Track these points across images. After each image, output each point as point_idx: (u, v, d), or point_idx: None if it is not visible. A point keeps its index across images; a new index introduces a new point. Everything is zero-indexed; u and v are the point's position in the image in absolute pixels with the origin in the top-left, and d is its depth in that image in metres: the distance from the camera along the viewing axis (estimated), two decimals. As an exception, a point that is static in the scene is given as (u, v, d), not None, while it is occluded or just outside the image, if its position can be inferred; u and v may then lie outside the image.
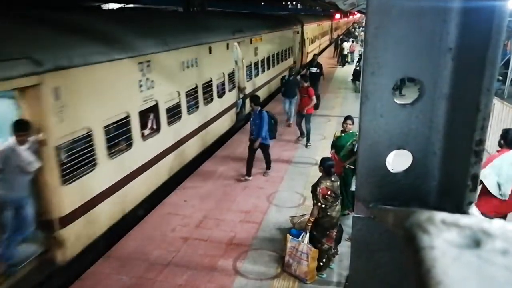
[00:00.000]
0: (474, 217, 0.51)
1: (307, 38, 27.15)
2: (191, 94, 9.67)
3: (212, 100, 10.88)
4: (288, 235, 5.89)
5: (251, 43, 14.34)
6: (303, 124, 11.33)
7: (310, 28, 28.53)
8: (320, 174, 5.81)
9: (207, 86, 10.50)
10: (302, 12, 46.12)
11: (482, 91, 0.68)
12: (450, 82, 0.74)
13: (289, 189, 8.56)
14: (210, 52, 10.47)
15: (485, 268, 0.40)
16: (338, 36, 43.47)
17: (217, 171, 9.59)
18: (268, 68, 17.33)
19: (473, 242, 0.44)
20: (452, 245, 0.44)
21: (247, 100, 12.82)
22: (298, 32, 24.00)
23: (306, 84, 11.37)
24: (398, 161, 1.03)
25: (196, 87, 9.79)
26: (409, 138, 0.80)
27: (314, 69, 15.87)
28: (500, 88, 16.41)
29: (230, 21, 14.09)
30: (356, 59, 26.53)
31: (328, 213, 5.55)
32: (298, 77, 14.15)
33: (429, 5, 0.70)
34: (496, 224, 0.46)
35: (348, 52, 28.12)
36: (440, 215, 0.49)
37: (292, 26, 22.66)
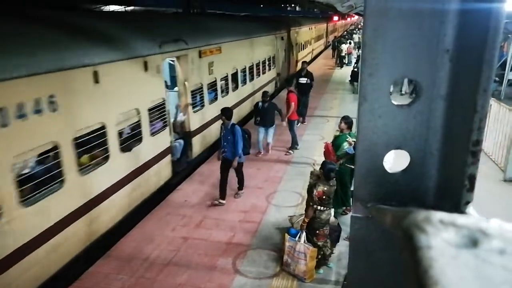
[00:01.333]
0: (472, 216, 0.51)
1: (296, 44, 23.54)
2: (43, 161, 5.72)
3: (107, 158, 6.66)
4: (286, 234, 5.91)
5: (200, 57, 10.14)
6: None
7: (300, 32, 24.99)
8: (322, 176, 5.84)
9: (94, 137, 6.36)
10: (292, 13, 39.22)
11: (479, 92, 0.69)
12: (447, 83, 0.74)
13: (288, 189, 8.57)
14: (96, 81, 6.26)
15: (483, 268, 0.40)
16: (335, 37, 42.11)
17: (216, 172, 9.58)
18: (235, 88, 13.06)
19: (471, 242, 0.44)
20: (450, 244, 0.44)
21: (200, 136, 10.23)
22: (283, 38, 19.88)
23: (290, 88, 11.02)
24: (396, 161, 1.04)
25: (55, 147, 5.56)
26: (407, 139, 0.80)
27: (303, 80, 13.42)
28: (497, 89, 16.45)
29: (163, 28, 9.43)
30: (353, 61, 26.63)
31: (320, 215, 5.62)
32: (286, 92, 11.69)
33: (427, 7, 0.71)
34: (493, 224, 0.47)
35: (345, 54, 28.24)
36: (438, 215, 0.49)
37: (275, 31, 18.31)
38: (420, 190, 0.82)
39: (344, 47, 28.34)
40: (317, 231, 5.67)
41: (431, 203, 0.82)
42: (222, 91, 11.86)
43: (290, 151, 10.85)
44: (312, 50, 32.45)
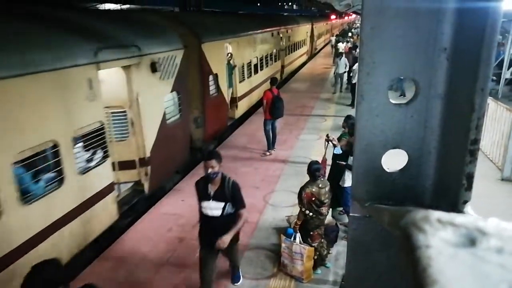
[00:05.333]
0: (470, 216, 0.51)
1: (234, 64, 13.07)
2: None
3: None
4: (282, 235, 5.90)
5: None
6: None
7: (247, 43, 14.50)
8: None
9: None
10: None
11: (476, 91, 0.69)
12: (445, 82, 0.74)
13: (285, 188, 8.57)
14: None
15: (481, 267, 0.40)
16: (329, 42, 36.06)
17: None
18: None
19: (469, 241, 0.44)
20: (448, 243, 0.44)
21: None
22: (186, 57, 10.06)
23: (270, 87, 10.46)
24: (393, 160, 1.03)
25: None
26: (405, 138, 0.80)
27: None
28: (494, 88, 16.51)
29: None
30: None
31: (313, 217, 5.53)
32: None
33: (424, 6, 0.71)
34: (491, 223, 0.47)
35: (343, 52, 28.23)
36: (436, 214, 0.49)
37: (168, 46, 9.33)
38: (418, 189, 0.82)
39: (341, 45, 28.34)
40: (311, 233, 5.63)
41: (429, 202, 0.82)
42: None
43: (267, 152, 10.54)
44: (276, 71, 19.85)
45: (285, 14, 33.92)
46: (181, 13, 15.49)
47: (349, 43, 30.68)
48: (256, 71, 15.73)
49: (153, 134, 7.76)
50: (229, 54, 12.80)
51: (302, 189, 5.58)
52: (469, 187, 0.74)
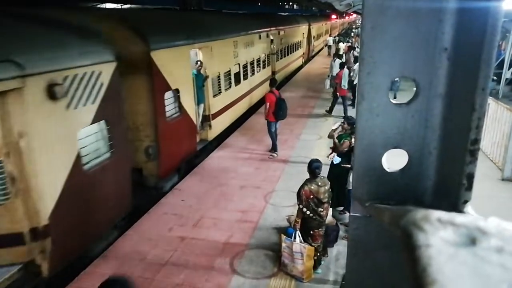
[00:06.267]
0: (470, 215, 0.51)
1: (206, 75, 10.57)
2: None
3: None
4: (282, 235, 5.90)
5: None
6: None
7: (226, 48, 12.12)
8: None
9: None
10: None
11: (477, 90, 0.69)
12: (445, 81, 0.74)
13: (285, 188, 8.57)
14: None
15: (481, 266, 0.40)
16: (328, 43, 34.76)
17: (215, 171, 9.58)
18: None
19: (469, 240, 0.44)
20: (448, 243, 0.44)
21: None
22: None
23: (270, 88, 10.33)
24: (394, 160, 1.04)
25: None
26: (405, 138, 0.80)
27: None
28: (495, 88, 16.50)
29: None
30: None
31: (312, 216, 5.53)
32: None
33: (425, 6, 0.71)
34: (491, 222, 0.47)
35: (343, 53, 28.30)
36: (436, 214, 0.49)
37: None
38: (418, 189, 0.82)
39: (342, 45, 28.42)
40: (311, 232, 5.63)
41: (430, 201, 0.82)
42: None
43: (274, 154, 10.49)
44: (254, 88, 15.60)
45: (280, 13, 30.67)
46: (129, 10, 11.96)
47: (349, 43, 30.72)
48: (237, 81, 13.24)
49: (55, 190, 5.37)
50: (199, 63, 10.42)
51: (301, 186, 5.59)
52: (470, 187, 0.74)
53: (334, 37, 39.81)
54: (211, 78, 10.74)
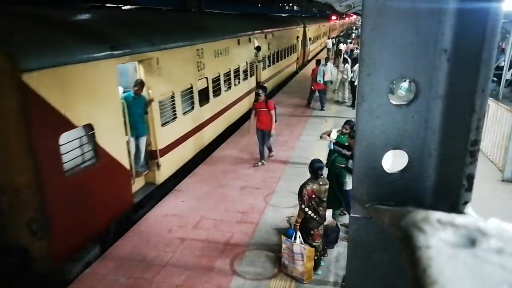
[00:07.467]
0: (470, 216, 0.51)
1: (149, 98, 7.82)
2: None
3: None
4: (282, 236, 5.91)
5: None
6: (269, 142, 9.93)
7: (182, 60, 9.26)
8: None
9: None
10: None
11: (477, 92, 0.69)
12: (445, 83, 0.74)
13: (286, 189, 8.57)
14: None
15: (481, 267, 0.40)
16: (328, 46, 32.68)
17: (214, 172, 9.58)
18: None
19: (469, 241, 0.44)
20: (448, 244, 0.44)
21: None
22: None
23: (262, 96, 9.48)
24: (394, 161, 1.04)
25: None
26: (405, 139, 0.80)
27: None
28: (495, 89, 16.51)
29: None
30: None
31: (312, 216, 5.57)
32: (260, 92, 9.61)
33: (425, 6, 0.71)
34: (491, 224, 0.47)
35: (344, 53, 28.38)
36: (436, 215, 0.49)
37: None
38: (418, 190, 0.82)
39: (343, 46, 28.49)
40: (311, 231, 5.66)
41: (430, 203, 0.82)
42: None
43: (271, 154, 10.30)
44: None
45: (270, 14, 26.93)
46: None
47: (350, 44, 30.77)
48: (205, 99, 10.48)
49: None
50: (139, 82, 7.63)
51: (303, 186, 5.62)
52: (470, 188, 0.74)
53: (333, 38, 39.67)
54: (157, 102, 8.06)
